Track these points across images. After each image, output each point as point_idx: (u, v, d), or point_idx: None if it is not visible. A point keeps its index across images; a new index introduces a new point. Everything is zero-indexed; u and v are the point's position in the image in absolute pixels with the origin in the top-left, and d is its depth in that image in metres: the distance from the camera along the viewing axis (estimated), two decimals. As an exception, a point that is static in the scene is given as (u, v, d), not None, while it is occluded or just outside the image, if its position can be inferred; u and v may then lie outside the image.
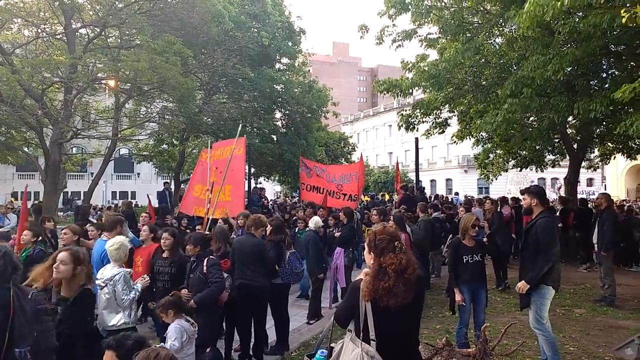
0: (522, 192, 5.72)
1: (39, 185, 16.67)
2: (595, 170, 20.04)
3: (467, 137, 15.49)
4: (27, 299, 3.39)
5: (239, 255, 5.97)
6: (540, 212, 5.29)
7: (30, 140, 17.26)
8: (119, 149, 19.66)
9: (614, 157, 15.66)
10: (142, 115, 18.90)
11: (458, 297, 5.67)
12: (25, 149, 18.09)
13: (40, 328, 3.41)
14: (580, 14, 8.87)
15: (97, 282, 4.55)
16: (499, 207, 11.09)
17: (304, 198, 13.65)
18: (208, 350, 5.02)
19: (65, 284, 4.05)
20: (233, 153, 7.92)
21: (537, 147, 14.82)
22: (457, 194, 34.65)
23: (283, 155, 21.73)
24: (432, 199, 19.35)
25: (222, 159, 8.31)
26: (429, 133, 15.70)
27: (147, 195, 13.00)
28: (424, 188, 16.51)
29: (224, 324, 6.25)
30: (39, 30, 15.01)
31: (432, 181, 53.14)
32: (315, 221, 8.33)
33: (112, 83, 15.65)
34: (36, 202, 15.88)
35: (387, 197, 17.67)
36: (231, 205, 8.02)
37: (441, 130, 15.54)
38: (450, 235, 10.44)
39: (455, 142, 16.15)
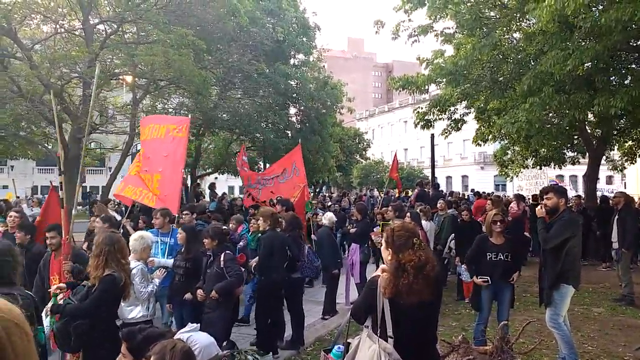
0: (546, 191, 5.54)
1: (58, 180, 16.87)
2: (621, 171, 19.56)
3: (487, 137, 15.25)
4: None
5: (266, 250, 6.01)
6: (563, 210, 5.25)
7: (50, 135, 17.49)
8: (136, 144, 19.82)
9: (639, 156, 15.27)
10: (158, 111, 19.03)
11: (477, 280, 5.62)
12: (45, 144, 18.35)
13: None
14: (601, 7, 8.73)
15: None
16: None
17: (247, 204, 11.65)
18: (225, 343, 5.06)
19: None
20: (172, 135, 6.48)
21: (557, 145, 14.60)
22: (472, 190, 34.28)
23: (298, 151, 21.70)
24: (448, 195, 19.19)
25: (150, 139, 6.66)
26: (446, 132, 15.52)
27: (50, 182, 9.88)
28: (439, 185, 16.33)
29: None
30: (57, 26, 15.17)
31: (448, 178, 52.73)
32: (329, 217, 8.35)
33: (129, 79, 15.79)
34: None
35: (397, 193, 17.48)
36: (160, 201, 6.34)
37: (458, 128, 15.34)
38: (452, 235, 9.31)
39: (479, 144, 15.85)
